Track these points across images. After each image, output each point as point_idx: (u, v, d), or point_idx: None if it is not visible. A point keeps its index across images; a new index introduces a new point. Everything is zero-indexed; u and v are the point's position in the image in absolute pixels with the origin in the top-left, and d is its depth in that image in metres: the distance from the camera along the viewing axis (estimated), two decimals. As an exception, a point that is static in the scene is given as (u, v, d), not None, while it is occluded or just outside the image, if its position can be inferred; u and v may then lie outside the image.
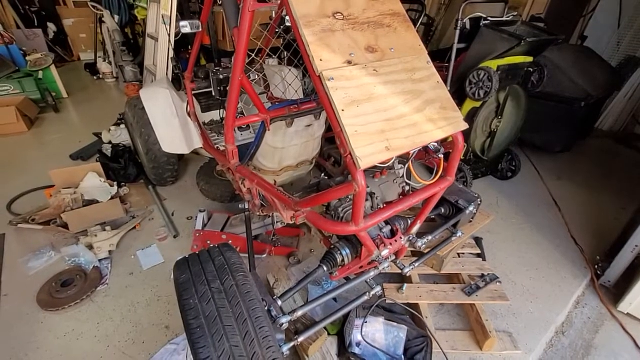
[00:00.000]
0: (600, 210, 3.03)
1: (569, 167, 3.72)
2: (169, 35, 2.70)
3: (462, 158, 2.86)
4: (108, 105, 5.02)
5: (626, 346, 1.93)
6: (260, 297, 1.18)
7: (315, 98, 1.79)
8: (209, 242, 2.18)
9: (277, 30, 1.97)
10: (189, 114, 2.44)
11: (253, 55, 1.64)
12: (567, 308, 2.11)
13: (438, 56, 3.30)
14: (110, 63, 6.06)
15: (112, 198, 2.66)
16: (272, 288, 2.00)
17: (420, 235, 1.69)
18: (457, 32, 2.72)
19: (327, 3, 1.17)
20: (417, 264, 1.76)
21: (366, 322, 1.77)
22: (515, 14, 2.91)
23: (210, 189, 2.88)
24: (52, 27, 7.11)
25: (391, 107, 1.14)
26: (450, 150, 1.35)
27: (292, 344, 1.29)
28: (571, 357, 1.86)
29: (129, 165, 3.04)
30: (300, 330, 1.40)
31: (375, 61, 1.18)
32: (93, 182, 2.71)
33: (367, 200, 1.57)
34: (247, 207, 1.96)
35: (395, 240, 1.47)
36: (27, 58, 5.01)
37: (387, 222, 1.52)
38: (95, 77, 6.34)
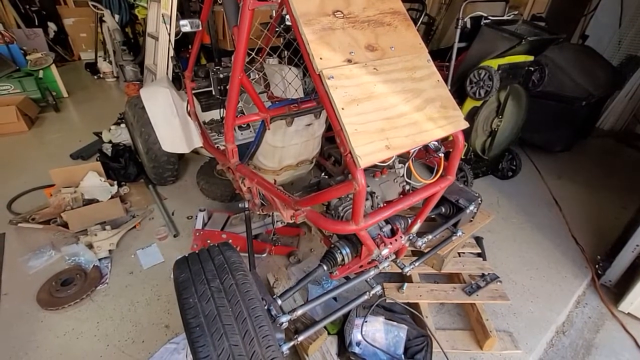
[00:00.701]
0: (601, 210, 3.02)
1: (569, 166, 3.72)
2: (169, 34, 2.70)
3: (462, 157, 2.86)
4: (108, 105, 5.02)
5: (627, 346, 1.92)
6: (260, 296, 1.18)
7: (315, 97, 1.79)
8: (209, 241, 2.17)
9: (277, 29, 1.96)
10: (189, 113, 2.44)
11: (253, 54, 1.63)
12: (567, 307, 2.11)
13: (439, 55, 3.28)
14: (110, 62, 6.07)
15: (112, 197, 2.66)
16: (272, 287, 2.00)
17: (420, 234, 1.68)
18: (458, 31, 2.71)
19: (327, 1, 1.16)
20: (417, 263, 1.75)
21: (366, 322, 1.76)
22: (516, 12, 2.90)
23: (210, 188, 2.88)
24: (52, 27, 7.12)
25: (391, 105, 1.13)
26: (451, 149, 1.35)
27: (291, 343, 1.28)
28: (572, 357, 1.86)
29: (129, 164, 3.04)
30: (300, 330, 1.40)
31: (375, 60, 1.17)
32: (93, 181, 2.71)
33: (367, 199, 1.56)
34: (247, 206, 1.96)
35: (396, 240, 1.46)
36: (28, 57, 5.01)
37: (387, 221, 1.52)
38: (95, 77, 6.34)
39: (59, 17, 7.11)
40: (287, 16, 1.15)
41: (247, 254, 1.81)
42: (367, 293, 1.54)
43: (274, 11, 1.93)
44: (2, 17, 6.35)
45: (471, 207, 1.86)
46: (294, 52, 1.82)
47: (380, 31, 1.24)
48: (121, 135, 3.43)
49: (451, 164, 1.38)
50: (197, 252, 1.29)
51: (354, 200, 1.14)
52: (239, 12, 1.34)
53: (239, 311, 1.08)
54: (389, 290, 1.97)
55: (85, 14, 6.87)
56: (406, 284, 1.99)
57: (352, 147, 1.01)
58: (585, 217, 2.91)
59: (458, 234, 1.87)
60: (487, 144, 2.96)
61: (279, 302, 1.31)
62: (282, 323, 1.25)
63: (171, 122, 2.47)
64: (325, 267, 1.42)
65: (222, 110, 2.52)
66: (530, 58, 2.75)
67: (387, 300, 1.88)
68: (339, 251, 1.42)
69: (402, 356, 1.70)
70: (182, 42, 4.79)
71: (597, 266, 2.34)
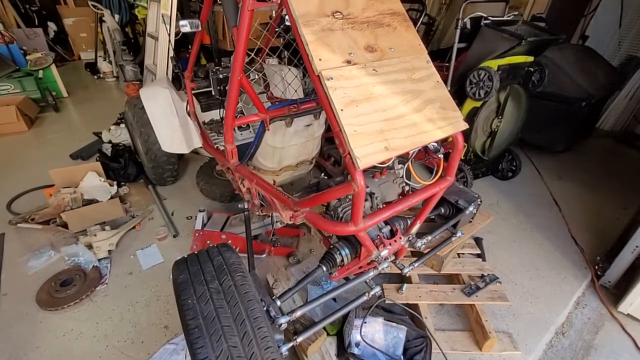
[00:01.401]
0: (601, 210, 3.02)
1: (569, 167, 3.71)
2: (169, 34, 2.70)
3: (462, 158, 2.86)
4: (108, 105, 5.02)
5: (626, 347, 1.92)
6: (259, 297, 1.18)
7: (314, 97, 1.79)
8: (208, 241, 2.17)
9: (276, 29, 1.96)
10: (188, 114, 2.44)
11: (252, 55, 1.63)
12: (567, 308, 2.11)
13: (438, 56, 3.29)
14: (110, 62, 6.07)
15: (111, 197, 2.66)
16: (271, 288, 2.00)
17: (419, 235, 1.68)
18: (458, 31, 2.71)
19: (327, 2, 1.16)
20: (416, 264, 1.75)
21: (365, 323, 1.76)
22: (516, 13, 2.90)
23: (210, 189, 2.88)
24: (52, 26, 7.13)
25: (390, 106, 1.13)
26: (450, 150, 1.35)
27: (290, 344, 1.28)
28: (571, 358, 1.86)
29: (129, 164, 3.04)
30: (299, 331, 1.40)
31: (374, 61, 1.17)
32: (93, 181, 2.71)
33: (366, 200, 1.56)
34: (246, 206, 1.96)
35: (395, 241, 1.46)
36: (28, 57, 5.01)
37: (386, 222, 1.52)
38: (95, 77, 6.35)
39: (59, 16, 7.11)
40: (287, 17, 1.15)
41: (246, 255, 1.81)
42: (367, 294, 1.54)
43: (273, 12, 1.93)
44: (2, 16, 6.36)
45: (471, 208, 1.86)
46: (294, 53, 1.82)
47: (380, 32, 1.24)
48: (121, 135, 3.43)
49: (451, 165, 1.38)
50: (196, 253, 1.29)
51: (353, 201, 1.14)
52: (238, 13, 1.34)
53: (237, 312, 1.08)
54: (388, 291, 1.97)
55: (85, 13, 6.88)
56: (405, 285, 1.99)
57: (351, 148, 1.01)
58: (585, 217, 2.91)
59: (458, 235, 1.87)
60: (487, 144, 2.96)
61: (278, 303, 1.31)
62: (281, 324, 1.25)
63: (171, 122, 2.47)
64: (324, 268, 1.42)
65: (221, 110, 2.52)
66: (530, 59, 2.75)
67: (387, 301, 1.88)
68: (338, 252, 1.42)
69: (402, 357, 1.70)
70: (182, 42, 4.79)
71: (596, 267, 2.34)
